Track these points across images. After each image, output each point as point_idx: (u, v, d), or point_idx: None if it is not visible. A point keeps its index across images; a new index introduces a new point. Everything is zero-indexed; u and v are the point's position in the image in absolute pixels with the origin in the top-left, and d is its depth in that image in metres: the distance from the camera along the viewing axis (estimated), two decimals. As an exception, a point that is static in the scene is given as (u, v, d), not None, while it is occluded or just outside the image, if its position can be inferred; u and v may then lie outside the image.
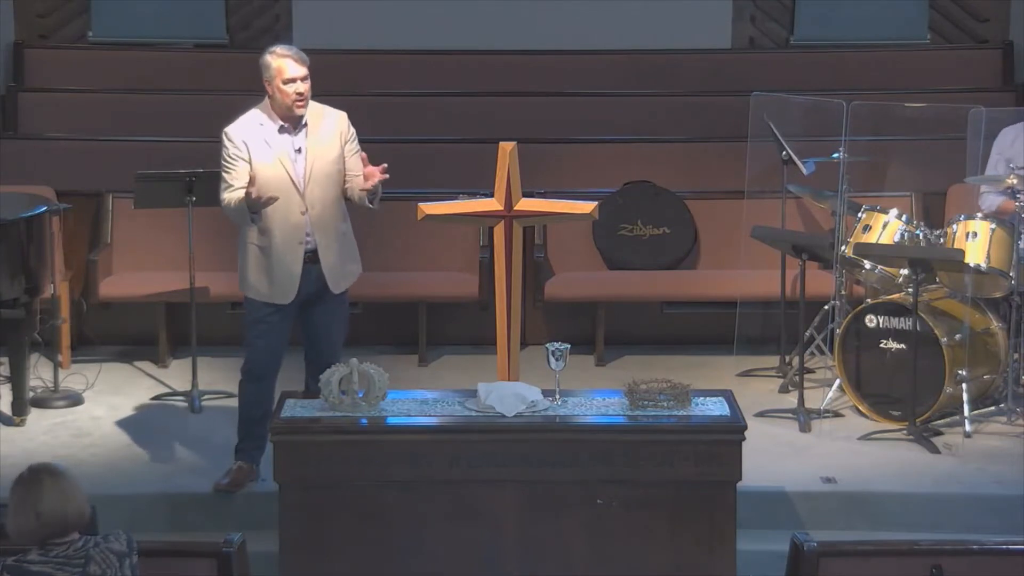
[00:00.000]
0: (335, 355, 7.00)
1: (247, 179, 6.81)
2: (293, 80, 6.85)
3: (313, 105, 6.99)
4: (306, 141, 6.93)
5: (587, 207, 6.65)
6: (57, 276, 8.47)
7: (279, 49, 6.94)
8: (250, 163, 6.86)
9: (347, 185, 7.01)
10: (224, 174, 6.93)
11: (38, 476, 4.65)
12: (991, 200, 8.19)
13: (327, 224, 6.97)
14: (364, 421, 6.29)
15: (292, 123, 6.92)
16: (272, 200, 6.75)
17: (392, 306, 9.25)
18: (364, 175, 6.86)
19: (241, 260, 7.05)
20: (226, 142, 6.92)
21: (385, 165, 6.85)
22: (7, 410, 8.06)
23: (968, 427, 7.77)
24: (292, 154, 6.91)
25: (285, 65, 6.86)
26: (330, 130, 6.99)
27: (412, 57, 11.02)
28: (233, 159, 6.90)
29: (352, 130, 7.04)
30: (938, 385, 7.78)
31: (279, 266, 6.94)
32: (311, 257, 6.95)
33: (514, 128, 9.35)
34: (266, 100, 6.95)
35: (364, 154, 6.97)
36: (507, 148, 6.52)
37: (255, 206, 6.76)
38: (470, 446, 6.23)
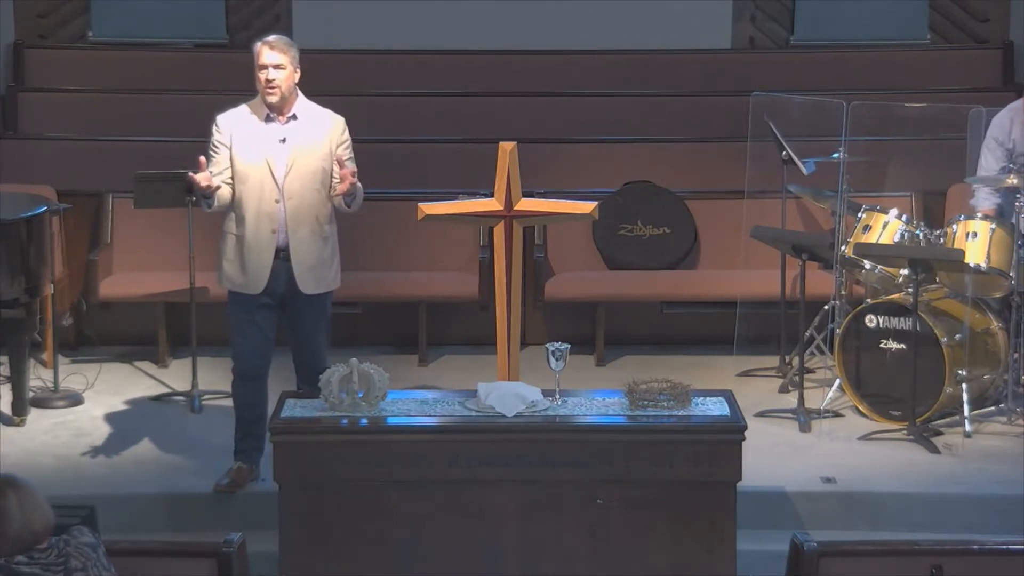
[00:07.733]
0: (318, 358, 7.00)
1: (226, 166, 6.89)
2: (264, 67, 6.88)
3: (312, 105, 6.99)
4: (292, 133, 6.93)
5: (587, 207, 6.65)
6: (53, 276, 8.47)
7: (268, 37, 7.01)
8: (231, 150, 6.91)
9: (333, 191, 7.00)
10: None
11: (2, 492, 4.59)
12: (984, 202, 8.17)
13: (303, 220, 6.92)
14: (364, 421, 6.29)
15: (277, 112, 6.93)
16: (209, 188, 6.80)
17: (392, 306, 9.25)
18: (340, 176, 6.87)
19: (219, 251, 7.05)
20: (213, 128, 7.01)
21: (354, 169, 6.89)
22: (7, 410, 8.06)
23: (968, 427, 7.77)
24: (275, 143, 6.91)
25: (260, 51, 6.92)
26: (321, 128, 6.97)
27: (412, 57, 11.02)
28: (216, 146, 6.98)
29: (347, 137, 7.02)
30: (938, 385, 7.78)
31: (250, 254, 6.93)
32: (283, 255, 6.93)
33: (514, 128, 9.36)
34: None
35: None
36: (507, 148, 6.52)
37: (194, 185, 6.83)
38: (470, 446, 6.22)
